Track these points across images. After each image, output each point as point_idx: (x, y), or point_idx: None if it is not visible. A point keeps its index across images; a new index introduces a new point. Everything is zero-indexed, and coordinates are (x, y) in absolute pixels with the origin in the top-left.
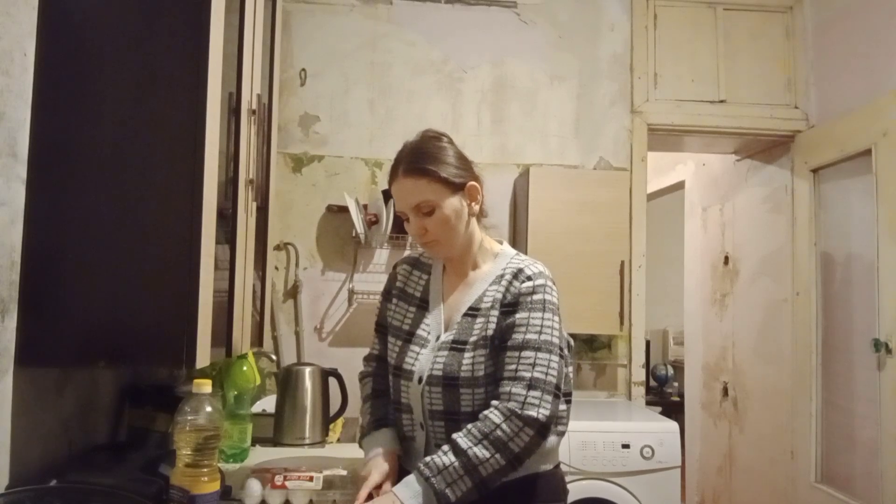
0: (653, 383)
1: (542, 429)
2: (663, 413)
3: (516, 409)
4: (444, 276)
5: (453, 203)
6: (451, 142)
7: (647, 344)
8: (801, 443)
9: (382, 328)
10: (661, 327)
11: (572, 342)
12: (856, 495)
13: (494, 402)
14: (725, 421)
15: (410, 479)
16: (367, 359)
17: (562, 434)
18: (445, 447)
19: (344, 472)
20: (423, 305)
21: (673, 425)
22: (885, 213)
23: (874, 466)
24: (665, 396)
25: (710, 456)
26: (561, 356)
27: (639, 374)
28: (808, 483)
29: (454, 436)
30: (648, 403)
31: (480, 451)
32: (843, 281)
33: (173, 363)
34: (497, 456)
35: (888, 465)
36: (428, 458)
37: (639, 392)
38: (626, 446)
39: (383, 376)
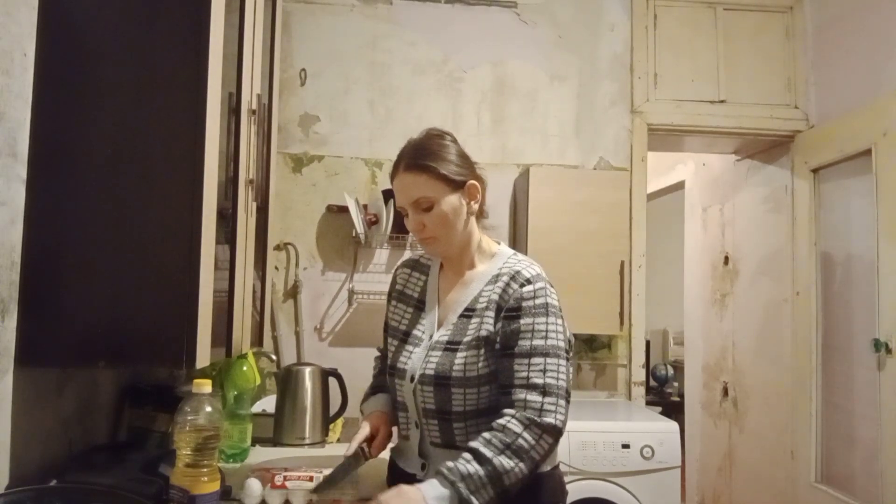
0: (653, 383)
1: (559, 434)
2: (663, 413)
3: (535, 418)
4: (441, 275)
5: (452, 201)
6: (454, 140)
7: (647, 344)
8: (801, 443)
9: (387, 328)
10: (661, 327)
11: (573, 339)
12: (856, 495)
13: (510, 411)
14: (725, 421)
15: (434, 482)
16: (379, 349)
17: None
18: (468, 455)
19: None
20: (419, 306)
21: (673, 425)
22: (885, 213)
23: (874, 466)
24: (665, 396)
25: (710, 456)
26: (567, 359)
27: (639, 374)
28: (808, 483)
29: (474, 445)
30: (648, 403)
31: (506, 461)
32: (843, 281)
33: (173, 363)
34: (521, 465)
35: (888, 465)
36: (451, 464)
37: (639, 392)
38: (626, 446)
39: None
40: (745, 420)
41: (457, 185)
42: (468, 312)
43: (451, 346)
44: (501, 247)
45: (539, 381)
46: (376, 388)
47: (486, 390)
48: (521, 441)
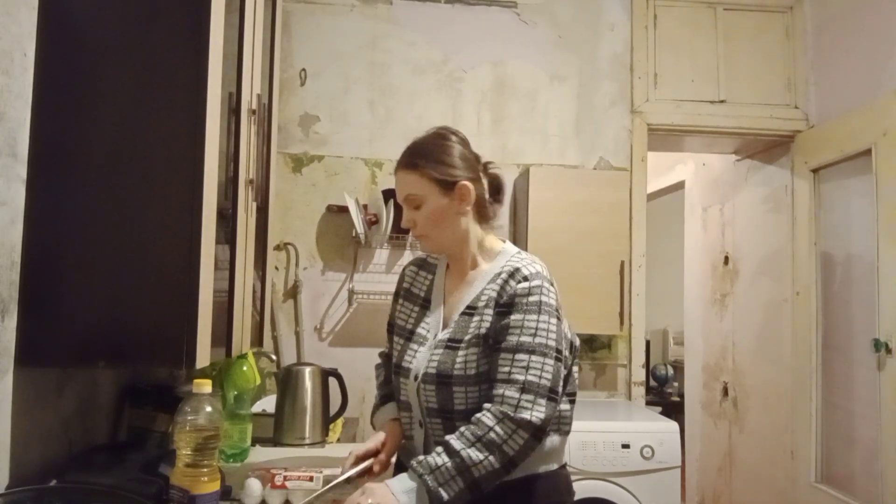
0: (653, 383)
1: (537, 431)
2: (663, 413)
3: (509, 412)
4: (447, 275)
5: (440, 201)
6: (461, 140)
7: (647, 344)
8: (801, 443)
9: (391, 328)
10: (661, 327)
11: (577, 342)
12: (856, 495)
13: (487, 405)
14: (725, 421)
15: (404, 476)
16: (380, 355)
17: (566, 434)
18: (439, 448)
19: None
20: (425, 305)
21: (673, 425)
22: (885, 213)
23: (874, 466)
24: (665, 396)
25: (710, 456)
26: (558, 359)
27: (639, 374)
28: (808, 483)
29: (447, 437)
30: (648, 403)
31: (474, 454)
32: (843, 281)
33: (173, 363)
34: (491, 458)
35: (888, 465)
36: (421, 457)
37: (639, 392)
38: (626, 446)
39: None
40: (745, 420)
41: (446, 186)
42: (470, 310)
43: (452, 345)
44: (506, 245)
45: (520, 377)
46: (384, 397)
47: (488, 388)
48: (492, 434)
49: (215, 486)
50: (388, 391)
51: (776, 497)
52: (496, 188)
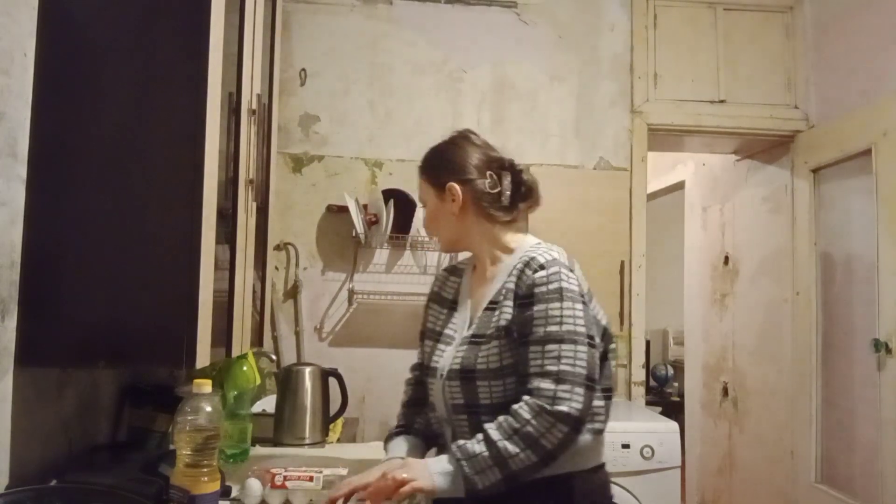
0: (653, 383)
1: (577, 423)
2: (663, 413)
3: (546, 406)
4: (473, 275)
5: (434, 201)
6: (472, 144)
7: (647, 344)
8: (801, 443)
9: (423, 335)
10: (661, 327)
11: (610, 328)
12: (856, 495)
13: (525, 397)
14: (725, 421)
15: (443, 458)
16: (412, 368)
17: (598, 432)
18: (479, 436)
19: (344, 472)
20: (453, 307)
21: (673, 425)
22: (885, 213)
23: (874, 466)
24: (665, 396)
25: (710, 456)
26: (591, 345)
27: (639, 374)
28: (808, 483)
29: (486, 426)
30: (648, 403)
31: (511, 446)
32: (843, 281)
33: (173, 363)
34: (528, 452)
35: (888, 465)
36: (462, 442)
37: (639, 392)
38: (626, 446)
39: (423, 384)
40: (745, 420)
41: (438, 187)
42: (492, 305)
43: (476, 340)
44: (526, 238)
45: (553, 368)
46: (401, 427)
47: (512, 381)
48: (529, 428)
49: (215, 486)
50: (408, 419)
51: (776, 497)
52: (518, 187)
